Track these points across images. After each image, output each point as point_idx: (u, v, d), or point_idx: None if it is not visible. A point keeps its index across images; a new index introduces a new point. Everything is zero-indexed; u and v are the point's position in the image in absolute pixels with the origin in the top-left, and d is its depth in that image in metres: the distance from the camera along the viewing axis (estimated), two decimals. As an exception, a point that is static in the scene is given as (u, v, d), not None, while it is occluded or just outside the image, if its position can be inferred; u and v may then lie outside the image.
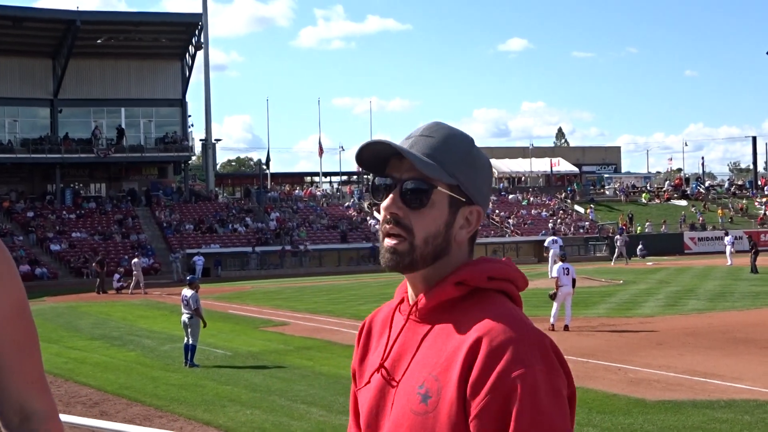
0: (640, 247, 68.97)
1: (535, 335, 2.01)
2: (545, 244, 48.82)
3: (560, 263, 24.84)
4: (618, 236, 64.73)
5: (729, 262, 53.37)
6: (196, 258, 60.38)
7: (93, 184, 78.77)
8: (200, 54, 77.67)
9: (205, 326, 20.42)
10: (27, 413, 2.14)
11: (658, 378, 16.55)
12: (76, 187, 76.42)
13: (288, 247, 67.14)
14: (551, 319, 24.11)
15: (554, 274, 24.69)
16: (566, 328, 23.75)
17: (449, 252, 2.20)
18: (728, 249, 55.57)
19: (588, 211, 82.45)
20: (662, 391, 15.34)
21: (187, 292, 20.40)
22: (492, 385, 1.94)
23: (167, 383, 18.14)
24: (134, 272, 47.09)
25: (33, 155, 70.58)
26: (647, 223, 78.01)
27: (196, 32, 75.40)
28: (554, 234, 65.00)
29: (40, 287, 51.65)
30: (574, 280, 24.65)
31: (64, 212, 69.26)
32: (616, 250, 61.81)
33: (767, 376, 16.30)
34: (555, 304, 24.17)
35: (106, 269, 49.26)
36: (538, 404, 1.92)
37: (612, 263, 60.27)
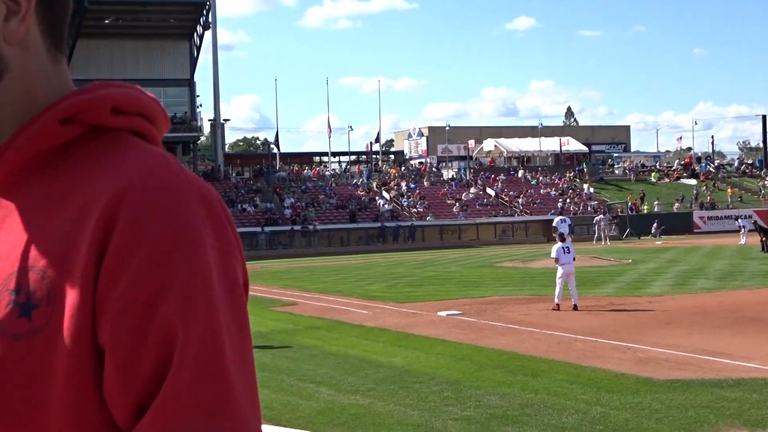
0: (654, 225, 69.09)
1: (199, 190, 1.31)
2: (554, 223, 48.89)
3: (560, 243, 24.85)
4: (600, 216, 64.92)
5: (742, 241, 53.27)
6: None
7: (102, 164, 78.79)
8: (208, 34, 77.74)
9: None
10: None
11: (667, 357, 16.54)
12: (85, 168, 76.49)
13: (297, 227, 67.19)
14: (555, 299, 24.11)
15: (554, 254, 24.70)
16: (575, 307, 23.74)
17: (8, 67, 1.35)
18: (742, 228, 55.53)
19: (586, 187, 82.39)
20: (670, 370, 15.33)
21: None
22: (137, 271, 1.18)
23: (176, 363, 18.18)
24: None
25: (42, 136, 70.53)
26: (656, 202, 77.88)
27: (204, 12, 75.28)
28: (562, 213, 65.00)
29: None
30: (574, 259, 24.74)
31: (74, 193, 69.30)
32: (596, 231, 62.14)
33: (776, 355, 16.29)
34: (558, 284, 24.20)
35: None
36: (210, 303, 1.23)
37: (593, 243, 60.25)
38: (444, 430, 11.94)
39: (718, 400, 12.86)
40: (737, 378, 14.33)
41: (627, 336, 19.05)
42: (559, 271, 24.26)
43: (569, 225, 46.36)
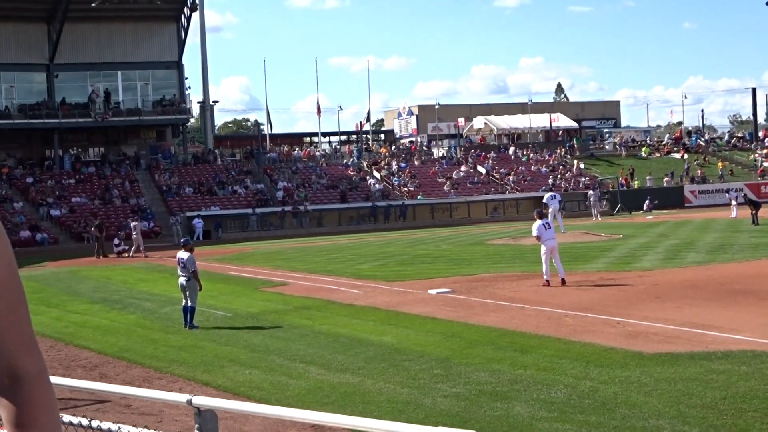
0: (647, 201, 69.18)
1: None
2: (544, 200, 48.78)
3: (539, 220, 24.83)
4: (591, 192, 65.00)
5: (733, 214, 53.32)
6: (195, 221, 60.55)
7: (92, 148, 78.59)
8: (195, 15, 77.36)
9: (201, 289, 20.44)
10: (18, 374, 2.08)
11: (656, 331, 16.57)
12: (75, 151, 76.32)
13: (288, 208, 67.10)
14: (544, 275, 24.13)
15: (535, 232, 24.64)
16: (563, 282, 23.76)
17: None
18: (733, 202, 55.59)
19: (576, 163, 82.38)
20: (660, 343, 15.36)
21: (183, 254, 20.39)
22: None
23: (167, 345, 18.20)
24: (134, 236, 47.10)
25: (30, 121, 70.35)
26: (648, 177, 77.93)
27: (191, -7, 74.85)
28: (551, 190, 64.97)
29: (41, 253, 51.77)
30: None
31: (64, 177, 69.23)
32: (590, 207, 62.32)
33: (765, 327, 16.31)
34: (544, 262, 24.18)
35: (106, 233, 49.27)
36: None
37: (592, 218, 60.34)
38: (433, 407, 11.96)
39: (707, 373, 12.90)
40: (726, 350, 14.37)
41: (616, 310, 19.08)
42: (543, 248, 24.25)
43: (559, 201, 46.15)
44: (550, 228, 24.50)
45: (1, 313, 2.05)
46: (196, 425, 4.76)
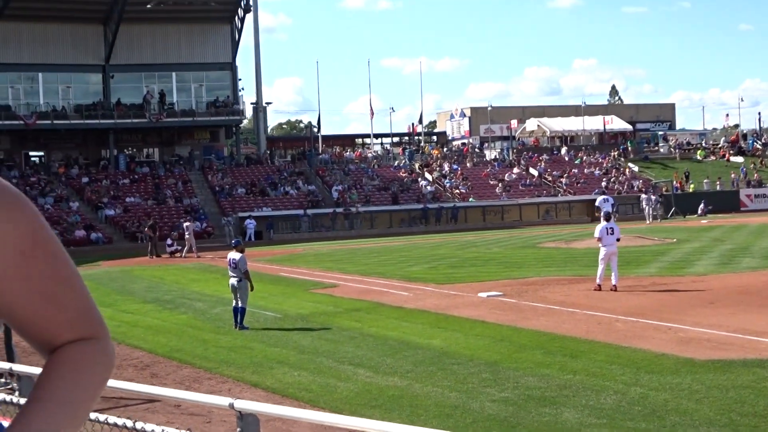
0: (701, 205, 68.44)
1: None
2: (596, 203, 48.47)
3: (604, 223, 24.64)
4: (643, 195, 64.48)
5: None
6: (247, 221, 60.92)
7: (146, 148, 79.47)
8: (249, 17, 77.80)
9: (252, 289, 20.56)
10: (54, 346, 1.91)
11: (709, 337, 16.36)
12: (130, 152, 77.18)
13: (339, 210, 67.24)
14: (597, 279, 23.95)
15: (597, 234, 24.51)
16: (614, 288, 23.54)
17: None
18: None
19: (630, 166, 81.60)
20: (712, 350, 15.16)
21: (234, 255, 20.53)
22: None
23: (217, 345, 18.31)
24: (186, 236, 47.47)
25: (86, 121, 71.25)
26: (705, 180, 76.99)
27: (245, -5, 75.39)
28: (605, 193, 64.49)
29: (96, 252, 52.39)
30: (618, 239, 24.53)
31: (119, 177, 70.02)
32: (646, 209, 61.95)
33: (821, 335, 16.04)
34: (600, 264, 24.01)
35: (159, 233, 49.72)
36: None
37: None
38: (481, 412, 11.91)
39: (760, 381, 12.71)
40: (780, 358, 14.14)
41: (668, 316, 18.87)
42: (602, 251, 24.06)
43: (612, 204, 45.87)
44: (613, 233, 24.22)
45: (30, 284, 1.87)
46: (238, 429, 4.78)
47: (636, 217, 64.34)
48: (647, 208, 61.93)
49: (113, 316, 23.77)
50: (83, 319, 1.94)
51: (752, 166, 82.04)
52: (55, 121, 70.35)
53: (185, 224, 49.49)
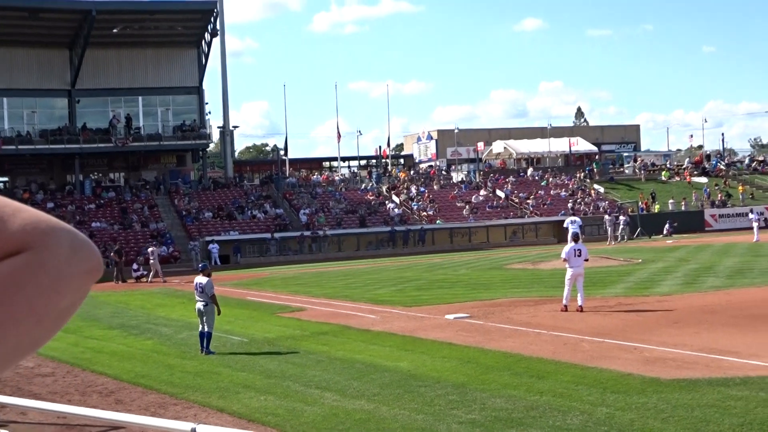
0: (667, 225, 68.95)
1: None
2: (565, 224, 48.71)
3: (572, 244, 24.75)
4: (606, 216, 65.05)
5: (755, 238, 53.07)
6: (211, 246, 60.61)
7: (112, 173, 79.07)
8: (216, 41, 77.73)
9: (219, 314, 20.47)
10: None
11: (674, 356, 16.45)
12: (96, 176, 76.75)
13: (307, 233, 67.17)
14: (564, 300, 24.04)
15: (564, 255, 24.62)
16: (580, 309, 23.64)
17: None
18: (755, 225, 55.38)
19: (596, 187, 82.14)
20: (677, 369, 15.25)
21: (201, 279, 20.45)
22: None
23: (183, 371, 18.18)
24: (152, 261, 47.21)
25: (52, 146, 70.87)
26: (671, 201, 77.56)
27: (212, 19, 75.35)
28: (574, 214, 64.87)
29: (61, 277, 51.78)
30: (586, 260, 24.63)
31: (84, 202, 69.59)
32: (613, 230, 62.40)
33: (785, 353, 16.17)
34: (566, 285, 24.11)
35: (125, 258, 49.41)
36: None
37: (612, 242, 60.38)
38: (447, 434, 11.89)
39: (725, 399, 12.78)
40: (744, 376, 14.24)
41: (634, 336, 18.97)
42: (569, 272, 24.17)
43: (580, 226, 46.19)
44: (580, 255, 24.31)
45: None
46: (200, 454, 4.75)
47: (602, 237, 64.70)
48: (610, 229, 62.43)
49: (78, 342, 23.57)
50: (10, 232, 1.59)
51: (716, 186, 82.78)
52: (20, 146, 69.91)
53: (150, 249, 49.25)
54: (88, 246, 1.59)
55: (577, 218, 54.06)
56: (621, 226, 65.61)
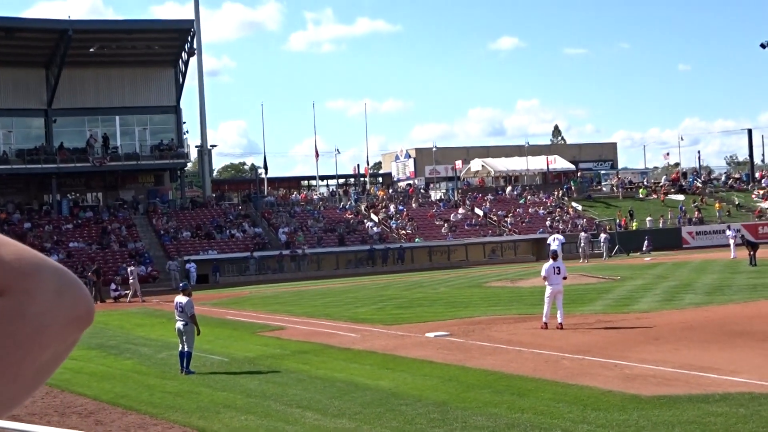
0: (645, 243, 69.18)
1: None
2: (548, 241, 48.92)
3: (551, 261, 24.81)
4: (582, 234, 65.27)
5: (732, 255, 53.36)
6: (188, 265, 60.36)
7: (89, 193, 78.68)
8: (193, 60, 77.63)
9: (199, 334, 20.41)
10: None
11: (654, 373, 16.51)
12: (73, 196, 76.37)
13: (286, 252, 67.06)
14: (543, 318, 24.11)
15: (543, 273, 24.67)
16: (560, 326, 23.69)
17: None
18: (731, 242, 55.68)
19: (574, 205, 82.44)
20: (658, 386, 15.30)
21: (181, 299, 20.38)
22: None
23: (163, 391, 18.09)
24: (131, 280, 46.99)
25: (28, 166, 70.51)
26: (648, 218, 77.90)
27: (189, 38, 75.28)
28: (556, 232, 65.14)
29: (38, 298, 51.52)
30: (564, 278, 24.71)
31: (62, 222, 69.24)
32: (584, 248, 62.39)
33: (764, 368, 16.27)
34: (546, 303, 24.18)
35: (103, 278, 49.15)
36: None
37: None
38: (430, 453, 11.88)
39: (705, 415, 12.83)
40: (724, 393, 14.30)
41: (614, 353, 19.02)
42: (548, 290, 24.25)
43: (561, 243, 46.44)
44: (559, 272, 24.38)
45: None
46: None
47: (578, 255, 64.88)
48: (585, 247, 62.62)
49: (57, 362, 23.41)
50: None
51: (693, 204, 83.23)
52: (-4, 166, 69.52)
53: (129, 269, 49.04)
54: (76, 288, 1.40)
55: (560, 236, 54.36)
56: (602, 244, 65.95)
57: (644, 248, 68.62)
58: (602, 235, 67.50)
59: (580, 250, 62.05)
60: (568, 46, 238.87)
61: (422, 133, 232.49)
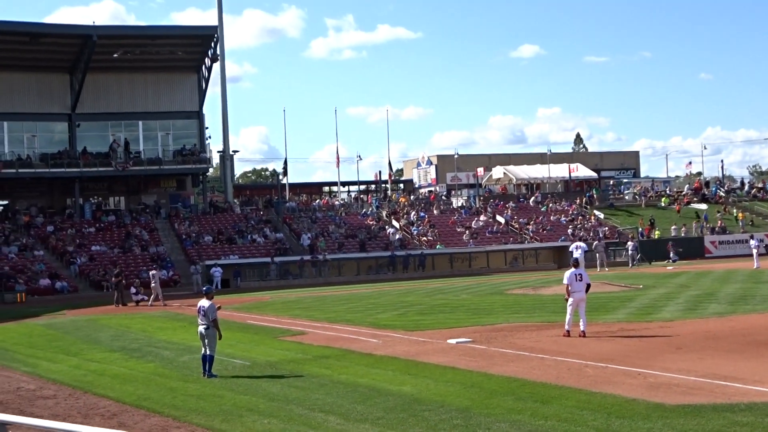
0: (671, 252, 68.74)
1: None
2: (570, 249, 48.76)
3: (572, 269, 24.72)
4: (596, 242, 65.00)
5: (756, 265, 53.03)
6: (213, 269, 60.61)
7: (112, 197, 79.08)
8: (216, 66, 77.90)
9: (220, 338, 20.46)
10: None
11: (678, 382, 16.42)
12: (96, 200, 76.76)
13: (307, 257, 67.15)
14: (566, 326, 24.03)
15: (565, 280, 24.57)
16: (583, 334, 23.59)
17: None
18: (754, 251, 55.33)
19: (596, 213, 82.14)
20: (682, 395, 15.21)
21: (204, 302, 20.42)
22: None
23: (185, 394, 18.12)
24: (152, 284, 47.13)
25: (52, 170, 70.94)
26: (673, 227, 77.54)
27: (212, 44, 75.59)
28: (580, 239, 64.94)
29: (60, 301, 51.93)
30: (588, 285, 24.60)
31: (84, 226, 69.60)
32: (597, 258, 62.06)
33: (789, 379, 16.14)
34: (568, 311, 24.11)
35: (125, 282, 49.34)
36: None
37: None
38: (453, 458, 11.84)
39: (730, 425, 12.74)
40: (749, 402, 14.20)
41: (638, 361, 18.93)
42: (570, 297, 24.16)
43: (584, 251, 46.31)
44: (581, 280, 24.30)
45: None
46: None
47: (595, 264, 64.62)
48: (602, 255, 62.30)
49: (79, 365, 23.53)
50: None
51: (717, 213, 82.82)
52: (20, 170, 69.97)
53: (151, 273, 49.19)
54: None
55: (582, 244, 54.18)
56: (629, 252, 65.77)
57: (671, 255, 68.18)
58: (629, 243, 67.23)
59: (598, 258, 61.69)
60: (590, 54, 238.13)
61: (442, 141, 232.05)
